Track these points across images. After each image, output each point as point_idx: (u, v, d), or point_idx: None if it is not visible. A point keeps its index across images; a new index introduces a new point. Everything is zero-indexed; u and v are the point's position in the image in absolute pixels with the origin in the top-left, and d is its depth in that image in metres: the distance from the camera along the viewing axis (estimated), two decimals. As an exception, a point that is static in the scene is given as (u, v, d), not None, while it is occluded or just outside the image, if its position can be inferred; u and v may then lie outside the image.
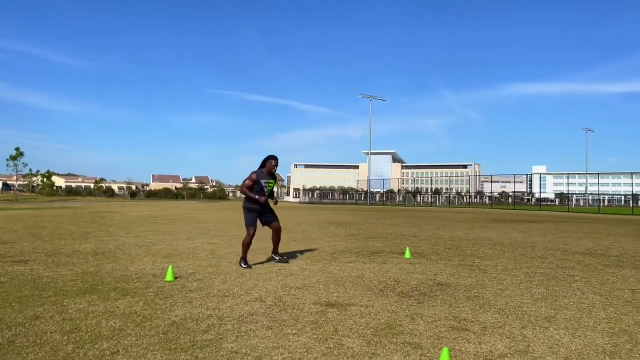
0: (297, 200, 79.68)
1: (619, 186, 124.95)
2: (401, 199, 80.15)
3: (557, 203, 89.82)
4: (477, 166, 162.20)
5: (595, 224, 19.04)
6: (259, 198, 6.61)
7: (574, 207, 60.90)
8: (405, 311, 4.34)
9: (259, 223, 6.87)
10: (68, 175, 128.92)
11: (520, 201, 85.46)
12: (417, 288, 5.37)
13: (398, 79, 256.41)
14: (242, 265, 6.61)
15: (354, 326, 3.84)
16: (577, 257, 8.10)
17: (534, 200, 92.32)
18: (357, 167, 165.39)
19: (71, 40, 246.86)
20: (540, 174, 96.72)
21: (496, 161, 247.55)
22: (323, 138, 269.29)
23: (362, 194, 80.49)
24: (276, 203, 7.04)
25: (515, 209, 43.54)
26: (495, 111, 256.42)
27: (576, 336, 3.64)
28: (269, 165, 6.77)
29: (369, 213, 27.77)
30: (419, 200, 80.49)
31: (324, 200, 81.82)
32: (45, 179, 74.17)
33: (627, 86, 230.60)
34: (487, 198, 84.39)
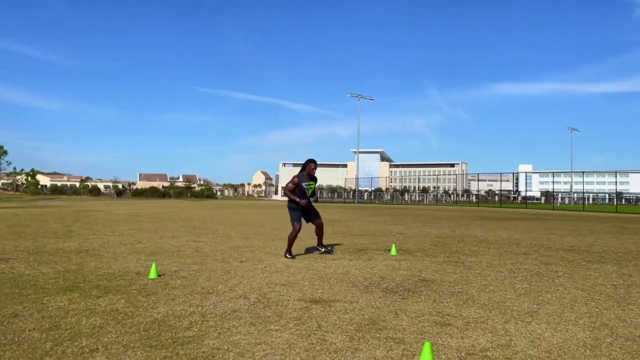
0: (285, 198, 79.57)
1: (604, 184, 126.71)
2: (389, 197, 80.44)
3: (543, 201, 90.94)
4: (464, 165, 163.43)
5: (579, 221, 19.28)
6: (299, 201, 7.29)
7: (559, 205, 61.69)
8: (389, 307, 4.34)
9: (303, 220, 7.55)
10: (53, 174, 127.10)
11: (507, 199, 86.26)
12: (401, 284, 5.38)
13: (387, 79, 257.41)
14: (287, 255, 7.30)
15: (338, 322, 3.83)
16: (561, 253, 8.19)
17: (519, 198, 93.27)
18: (345, 166, 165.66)
19: (58, 38, 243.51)
20: (526, 172, 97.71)
21: (483, 160, 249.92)
22: (312, 137, 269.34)
23: (350, 192, 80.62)
24: (316, 201, 7.71)
25: (501, 207, 43.93)
26: (482, 110, 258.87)
27: (557, 330, 3.67)
28: (309, 168, 7.42)
29: (356, 211, 27.81)
30: (406, 199, 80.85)
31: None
32: (29, 178, 73.02)
33: (611, 86, 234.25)
34: (474, 196, 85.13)
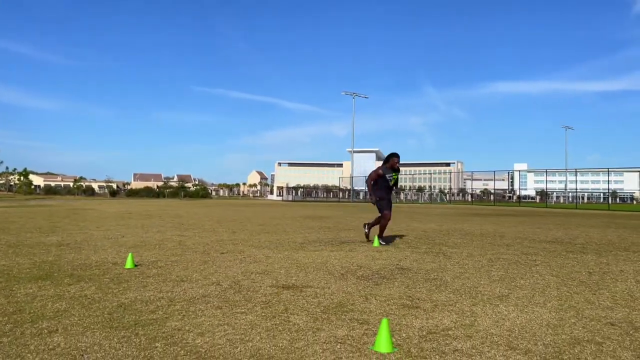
0: (280, 198, 79.42)
1: (598, 183, 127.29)
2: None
3: (538, 200, 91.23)
4: (459, 164, 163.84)
5: (568, 217, 19.35)
6: (370, 197, 8.08)
7: (553, 203, 61.90)
8: (360, 292, 4.33)
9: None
10: (47, 174, 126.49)
11: (502, 198, 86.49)
12: (378, 272, 5.37)
13: (383, 77, 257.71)
14: (381, 242, 7.86)
15: (305, 305, 3.82)
16: (543, 245, 8.21)
17: (515, 197, 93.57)
18: (340, 165, 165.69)
19: (52, 37, 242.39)
20: (519, 171, 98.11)
21: (480, 159, 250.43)
22: (309, 136, 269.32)
23: (345, 191, 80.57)
24: (397, 193, 8.17)
25: (494, 205, 44.04)
26: (479, 109, 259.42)
27: (523, 312, 3.68)
28: (392, 162, 7.92)
29: (348, 209, 27.80)
30: (402, 198, 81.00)
31: (308, 198, 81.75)
32: (22, 178, 72.62)
33: (606, 85, 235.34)
34: (469, 195, 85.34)
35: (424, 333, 3.12)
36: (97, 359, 2.61)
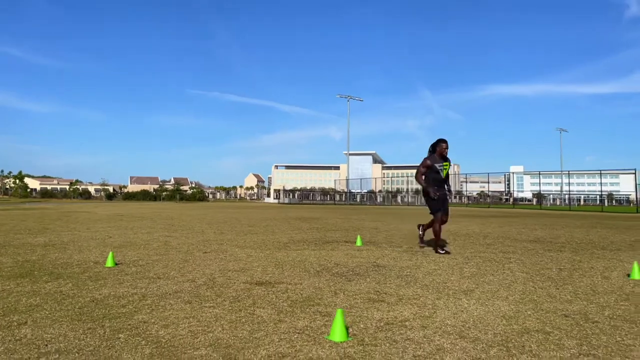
0: (276, 201, 79.49)
1: (594, 185, 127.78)
2: (381, 199, 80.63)
3: (535, 202, 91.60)
4: (455, 166, 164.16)
5: (558, 218, 19.50)
6: (431, 192, 6.74)
7: (549, 205, 62.12)
8: (330, 287, 4.44)
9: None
10: (43, 178, 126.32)
11: (499, 200, 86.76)
12: (353, 269, 5.48)
13: (380, 80, 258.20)
14: (439, 251, 6.69)
15: (274, 299, 3.93)
16: (524, 244, 8.33)
17: (511, 199, 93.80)
18: (337, 168, 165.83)
19: (46, 40, 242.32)
20: (514, 173, 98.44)
21: (477, 162, 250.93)
22: (305, 139, 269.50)
23: (342, 194, 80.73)
24: (450, 191, 6.94)
25: (489, 207, 44.23)
26: (475, 112, 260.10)
27: (484, 305, 3.79)
28: (440, 148, 6.82)
29: (342, 211, 27.91)
30: (399, 200, 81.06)
31: (305, 201, 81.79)
32: (17, 181, 72.57)
33: (601, 88, 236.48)
34: (466, 198, 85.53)
35: (382, 324, 3.23)
36: (59, 348, 2.71)
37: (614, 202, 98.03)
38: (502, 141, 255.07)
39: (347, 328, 3.05)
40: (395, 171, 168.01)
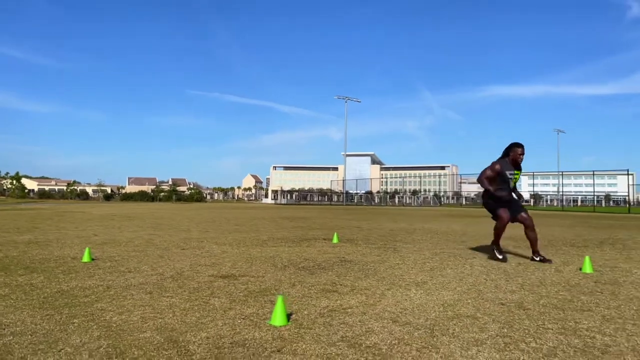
0: (273, 201, 79.65)
1: (591, 186, 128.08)
2: (378, 199, 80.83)
3: (532, 203, 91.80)
4: (454, 167, 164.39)
5: (546, 217, 19.72)
6: (496, 193, 5.78)
7: (544, 206, 62.37)
8: (291, 280, 4.64)
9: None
10: (41, 178, 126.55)
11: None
12: (320, 264, 5.68)
13: (380, 81, 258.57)
14: (498, 256, 5.88)
15: (232, 290, 4.13)
16: (497, 241, 8.53)
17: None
18: (336, 169, 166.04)
19: (45, 40, 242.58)
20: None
21: (476, 162, 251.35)
22: (305, 139, 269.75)
23: (340, 195, 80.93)
24: (519, 198, 6.06)
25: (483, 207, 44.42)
26: (475, 112, 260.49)
27: (429, 295, 4.00)
28: (514, 153, 5.80)
29: (335, 211, 28.11)
30: (396, 201, 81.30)
31: (302, 202, 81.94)
32: (14, 181, 72.72)
33: (601, 89, 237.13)
34: (464, 198, 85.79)
35: (326, 311, 3.43)
36: (15, 331, 2.91)
37: (611, 202, 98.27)
38: (501, 142, 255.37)
39: (290, 314, 3.26)
40: (394, 172, 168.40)
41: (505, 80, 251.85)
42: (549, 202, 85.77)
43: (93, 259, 5.96)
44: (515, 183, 5.92)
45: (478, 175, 5.99)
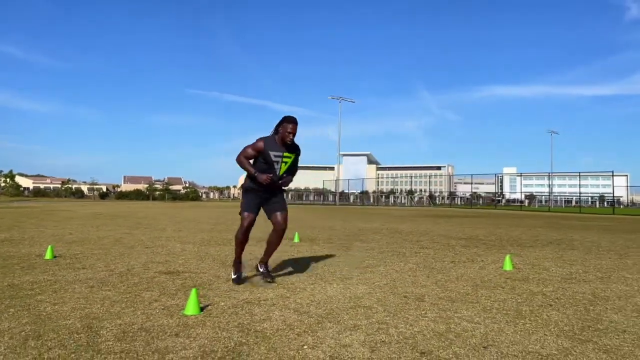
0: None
1: (586, 187, 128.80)
2: (372, 199, 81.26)
3: (527, 203, 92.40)
4: (450, 167, 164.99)
5: (520, 218, 20.16)
6: (257, 175, 4.45)
7: (537, 206, 62.86)
8: (229, 276, 5.02)
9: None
10: (36, 177, 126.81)
11: (491, 202, 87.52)
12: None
13: (379, 80, 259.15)
14: (232, 275, 4.68)
15: (168, 285, 4.51)
16: (451, 241, 8.94)
17: (504, 200, 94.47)
18: (332, 169, 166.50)
19: (41, 38, 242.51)
20: (504, 174, 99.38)
21: (473, 162, 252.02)
22: (303, 139, 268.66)
23: (337, 194, 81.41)
24: (284, 185, 4.66)
25: (471, 208, 44.92)
26: (473, 112, 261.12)
27: (346, 288, 4.39)
28: (283, 129, 4.45)
29: (321, 211, 28.51)
30: (392, 201, 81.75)
31: (297, 201, 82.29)
32: (8, 179, 73.01)
33: (599, 89, 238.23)
34: (459, 199, 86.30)
35: (241, 302, 3.82)
36: (-47, 318, 3.29)
37: (605, 203, 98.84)
38: (499, 142, 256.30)
39: (206, 305, 3.65)
40: (390, 172, 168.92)
41: (504, 81, 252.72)
42: (543, 202, 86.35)
43: (55, 257, 6.33)
44: (285, 169, 4.59)
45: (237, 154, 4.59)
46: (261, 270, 4.84)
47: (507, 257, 5.64)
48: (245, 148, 4.56)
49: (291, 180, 4.72)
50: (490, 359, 2.60)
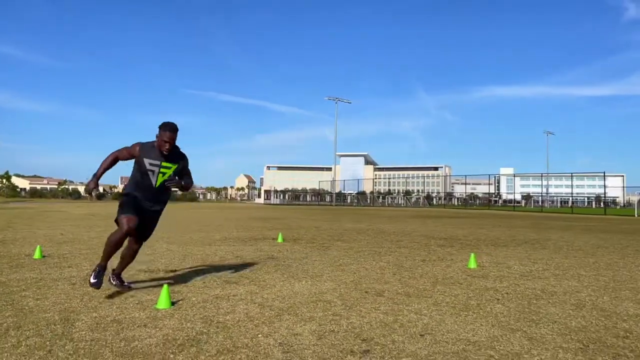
0: (266, 201, 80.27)
1: (583, 187, 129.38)
2: (369, 200, 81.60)
3: (524, 204, 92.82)
4: (447, 168, 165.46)
5: (507, 219, 20.49)
6: (88, 182, 4.21)
7: (532, 207, 63.26)
8: (205, 274, 5.31)
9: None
10: (33, 177, 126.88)
11: (488, 202, 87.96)
12: (247, 261, 6.36)
13: (377, 81, 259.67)
14: (91, 280, 4.07)
15: (145, 282, 4.80)
16: (431, 241, 9.25)
17: (500, 201, 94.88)
18: (330, 169, 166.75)
19: (38, 38, 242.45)
20: (500, 175, 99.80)
21: (470, 163, 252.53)
22: (301, 139, 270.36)
23: (333, 195, 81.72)
24: (170, 186, 4.29)
25: (466, 208, 45.28)
26: (471, 113, 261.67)
27: (313, 285, 4.68)
28: (159, 139, 4.12)
29: (314, 212, 28.79)
30: (387, 202, 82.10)
31: (294, 202, 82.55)
32: (4, 180, 73.14)
33: (597, 90, 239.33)
34: (456, 199, 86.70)
35: (212, 298, 4.11)
36: (-59, 312, 3.57)
37: (601, 204, 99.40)
38: (499, 142, 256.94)
39: (178, 300, 3.94)
40: (387, 172, 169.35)
41: (503, 81, 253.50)
42: (540, 203, 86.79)
43: (44, 256, 6.61)
44: (163, 179, 4.20)
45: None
46: (114, 283, 4.38)
47: (472, 256, 5.95)
48: (121, 148, 4.25)
49: (187, 184, 4.37)
50: (423, 345, 2.90)
